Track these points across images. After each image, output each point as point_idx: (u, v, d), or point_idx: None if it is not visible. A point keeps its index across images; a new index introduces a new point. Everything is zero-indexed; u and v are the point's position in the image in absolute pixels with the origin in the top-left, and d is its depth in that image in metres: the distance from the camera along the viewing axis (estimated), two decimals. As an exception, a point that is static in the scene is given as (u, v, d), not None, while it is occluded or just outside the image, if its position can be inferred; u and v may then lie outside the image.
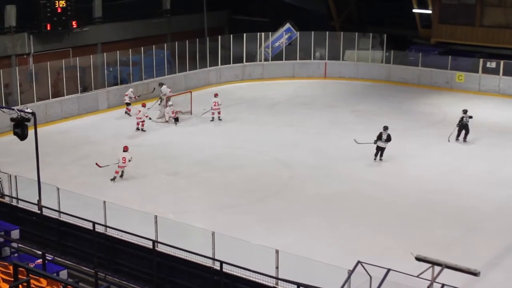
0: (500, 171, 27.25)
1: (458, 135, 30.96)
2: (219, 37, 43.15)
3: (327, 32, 44.83)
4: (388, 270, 14.83)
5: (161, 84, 36.85)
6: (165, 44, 41.11)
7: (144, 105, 33.16)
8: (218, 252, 17.02)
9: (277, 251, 16.13)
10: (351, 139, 31.04)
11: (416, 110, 36.91)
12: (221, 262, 16.52)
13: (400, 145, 29.40)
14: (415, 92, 41.27)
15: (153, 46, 39.45)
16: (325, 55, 44.99)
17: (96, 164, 26.23)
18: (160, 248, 17.80)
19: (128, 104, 35.20)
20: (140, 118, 32.37)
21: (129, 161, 26.17)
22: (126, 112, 35.18)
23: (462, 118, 30.80)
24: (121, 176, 26.15)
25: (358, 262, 15.14)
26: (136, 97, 35.39)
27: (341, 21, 50.08)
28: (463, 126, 30.81)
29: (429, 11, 45.12)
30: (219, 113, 34.45)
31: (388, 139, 28.11)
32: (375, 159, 28.31)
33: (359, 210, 23.35)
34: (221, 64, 43.07)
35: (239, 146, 30.31)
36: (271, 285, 16.05)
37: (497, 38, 42.82)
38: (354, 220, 22.42)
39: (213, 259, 16.94)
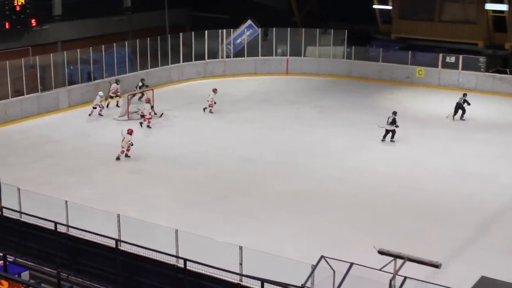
0: (461, 165, 27.60)
1: (454, 114, 34.14)
2: (181, 34, 42.98)
3: (289, 29, 45.00)
4: (351, 264, 14.95)
5: (117, 81, 36.61)
6: (126, 42, 40.85)
7: (148, 101, 32.95)
8: (182, 250, 16.98)
9: (240, 248, 16.14)
10: (313, 134, 31.30)
11: (378, 105, 37.22)
12: (185, 260, 16.49)
13: (363, 141, 29.62)
14: (376, 87, 41.62)
15: (114, 44, 39.13)
16: (287, 51, 45.14)
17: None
18: (124, 247, 17.71)
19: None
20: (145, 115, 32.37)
21: (131, 144, 27.56)
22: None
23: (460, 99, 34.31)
24: (117, 158, 27.62)
25: (322, 257, 15.24)
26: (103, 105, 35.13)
27: (302, 17, 50.30)
28: (458, 106, 34.03)
29: (389, 7, 45.53)
30: (210, 106, 35.24)
31: (393, 122, 29.89)
32: (382, 140, 30.08)
33: (322, 205, 23.48)
34: (182, 62, 42.89)
35: (203, 143, 30.25)
36: (235, 281, 16.07)
37: (456, 33, 43.43)
38: (317, 216, 22.53)
39: (177, 257, 16.89)
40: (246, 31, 44.84)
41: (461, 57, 40.86)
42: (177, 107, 35.47)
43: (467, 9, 43.30)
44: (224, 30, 44.20)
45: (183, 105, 35.52)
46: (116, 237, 17.74)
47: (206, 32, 43.19)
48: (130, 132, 27.79)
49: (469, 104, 33.79)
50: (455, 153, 29.19)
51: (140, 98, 36.37)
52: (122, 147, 27.67)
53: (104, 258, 18.24)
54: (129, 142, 27.67)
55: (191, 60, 43.31)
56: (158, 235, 18.82)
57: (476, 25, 42.82)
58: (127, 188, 25.08)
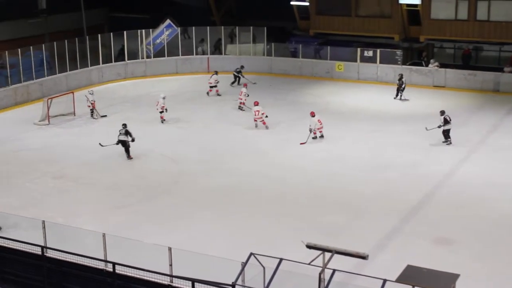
0: (381, 156, 28.19)
1: (396, 95, 37.71)
2: (99, 35, 42.35)
3: (208, 27, 44.98)
4: (281, 259, 15.11)
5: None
6: (43, 45, 39.95)
7: (245, 85, 34.52)
8: (110, 253, 16.84)
9: (170, 249, 16.11)
10: (238, 132, 31.38)
11: (300, 101, 37.60)
12: (114, 264, 16.36)
13: (287, 136, 29.89)
14: (297, 83, 42.01)
15: (31, 47, 38.25)
16: (207, 50, 45.15)
17: None
18: (50, 253, 17.42)
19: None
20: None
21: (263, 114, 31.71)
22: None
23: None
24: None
25: (251, 254, 15.36)
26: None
27: (221, 16, 50.38)
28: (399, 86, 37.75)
29: (307, 3, 46.05)
30: (242, 103, 35.39)
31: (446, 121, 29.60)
32: (449, 143, 29.64)
33: (249, 202, 23.61)
34: (102, 63, 42.32)
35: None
36: (166, 283, 16.04)
37: (372, 28, 44.28)
38: (245, 213, 22.65)
39: (105, 261, 16.74)
40: (166, 31, 44.59)
41: (378, 51, 41.67)
42: (98, 109, 34.89)
43: (382, 4, 44.18)
44: (143, 30, 43.83)
45: (104, 107, 35.08)
46: (42, 244, 17.45)
47: (125, 32, 42.73)
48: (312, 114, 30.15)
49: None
50: (376, 144, 29.74)
51: (232, 83, 40.64)
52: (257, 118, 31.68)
53: (29, 266, 17.92)
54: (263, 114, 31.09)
55: (111, 62, 42.79)
56: (85, 240, 18.60)
57: (391, 19, 43.76)
58: (51, 193, 24.61)
